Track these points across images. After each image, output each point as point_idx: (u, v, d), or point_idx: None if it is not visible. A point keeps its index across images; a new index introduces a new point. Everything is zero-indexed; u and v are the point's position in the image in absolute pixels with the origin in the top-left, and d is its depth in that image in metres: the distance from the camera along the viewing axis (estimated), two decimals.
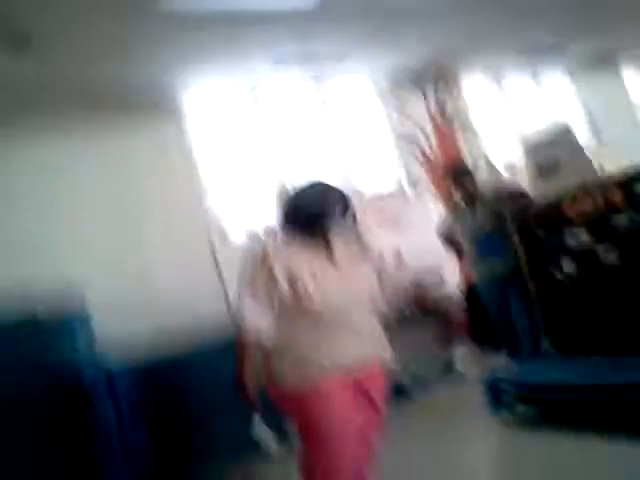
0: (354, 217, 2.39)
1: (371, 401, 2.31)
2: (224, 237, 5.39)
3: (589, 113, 8.59)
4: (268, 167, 5.93)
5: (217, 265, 5.18)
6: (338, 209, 2.34)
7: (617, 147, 8.05)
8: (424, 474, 3.24)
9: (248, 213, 5.64)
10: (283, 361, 2.24)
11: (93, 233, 4.74)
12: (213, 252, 5.21)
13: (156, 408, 3.92)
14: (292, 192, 2.45)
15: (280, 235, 2.39)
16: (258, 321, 2.23)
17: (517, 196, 4.19)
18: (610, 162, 7.73)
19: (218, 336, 4.54)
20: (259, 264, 2.26)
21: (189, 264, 5.07)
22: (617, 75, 9.04)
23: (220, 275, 5.15)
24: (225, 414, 3.98)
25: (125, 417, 3.77)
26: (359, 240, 2.48)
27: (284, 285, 2.22)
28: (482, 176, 6.51)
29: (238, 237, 5.43)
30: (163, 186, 5.16)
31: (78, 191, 4.79)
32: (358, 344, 2.29)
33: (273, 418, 2.68)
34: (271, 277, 2.22)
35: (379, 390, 2.35)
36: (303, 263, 2.27)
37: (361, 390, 2.27)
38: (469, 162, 4.67)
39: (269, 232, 2.25)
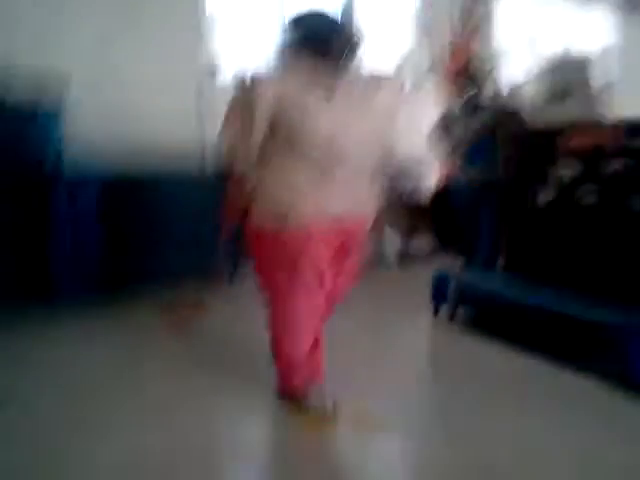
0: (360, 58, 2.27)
1: (347, 254, 2.32)
2: (214, 74, 5.17)
3: (616, 52, 8.31)
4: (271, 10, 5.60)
5: (200, 98, 5.01)
6: (348, 41, 2.22)
7: (632, 94, 7.89)
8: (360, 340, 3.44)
9: (244, 55, 5.40)
10: (267, 201, 2.18)
11: (84, 27, 4.43)
12: (199, 86, 5.02)
13: (114, 219, 3.96)
14: (301, 15, 2.27)
15: (275, 66, 2.26)
16: (240, 151, 2.15)
17: (515, 116, 4.14)
18: (620, 106, 7.64)
19: (188, 170, 4.58)
20: (247, 91, 2.14)
21: (175, 90, 4.88)
22: None
23: (200, 109, 5.01)
24: (179, 241, 4.22)
25: (82, 220, 3.82)
26: (365, 84, 2.34)
27: (269, 114, 2.10)
28: (490, 84, 6.36)
29: (228, 77, 5.19)
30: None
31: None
32: (347, 194, 2.22)
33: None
34: (260, 104, 2.10)
35: (358, 245, 2.37)
36: (298, 95, 2.14)
37: (341, 241, 2.27)
38: (483, 66, 4.50)
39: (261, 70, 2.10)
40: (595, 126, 3.42)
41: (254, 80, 2.15)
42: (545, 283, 3.56)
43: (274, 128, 2.12)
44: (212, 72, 5.14)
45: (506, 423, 2.45)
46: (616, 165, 3.30)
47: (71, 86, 3.91)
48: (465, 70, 4.36)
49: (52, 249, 3.73)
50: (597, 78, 3.85)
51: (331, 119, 2.15)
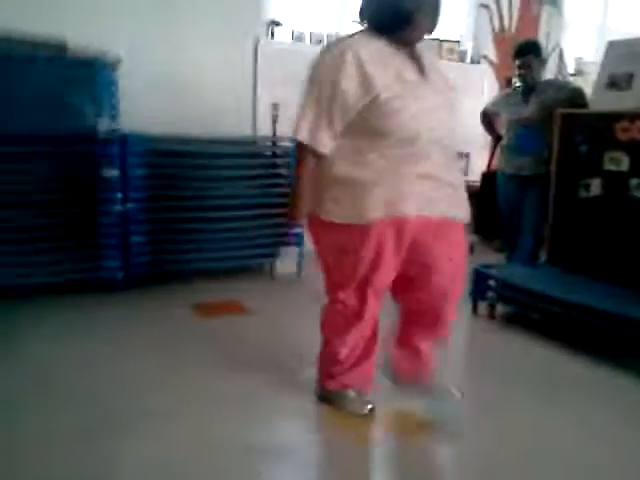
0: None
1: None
2: (271, 33, 5.14)
3: None
4: None
5: (256, 62, 5.01)
6: (435, 12, 2.00)
7: None
8: None
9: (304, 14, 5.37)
10: (357, 192, 2.01)
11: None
12: (256, 47, 5.00)
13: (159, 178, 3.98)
14: None
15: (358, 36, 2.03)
16: (319, 135, 2.00)
17: (572, 101, 3.94)
18: None
19: (238, 138, 4.66)
20: (331, 66, 1.95)
21: (231, 57, 4.90)
22: None
23: (255, 73, 5.01)
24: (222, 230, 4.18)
25: (130, 175, 3.84)
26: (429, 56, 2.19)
27: (359, 95, 1.93)
28: (550, 67, 6.15)
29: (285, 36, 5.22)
30: None
31: None
32: (445, 193, 2.08)
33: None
34: (350, 84, 1.92)
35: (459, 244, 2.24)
36: (391, 69, 1.96)
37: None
38: (542, 47, 4.33)
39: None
40: None
41: (340, 51, 1.95)
42: (589, 279, 3.46)
43: (365, 111, 1.96)
44: (271, 30, 5.11)
45: (553, 420, 2.44)
46: None
47: (123, 50, 3.95)
48: (522, 49, 4.15)
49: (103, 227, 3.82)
50: None
51: (428, 97, 2.01)
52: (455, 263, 2.21)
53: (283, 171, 4.49)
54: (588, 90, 4.01)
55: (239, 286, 4.23)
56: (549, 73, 6.13)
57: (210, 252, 4.18)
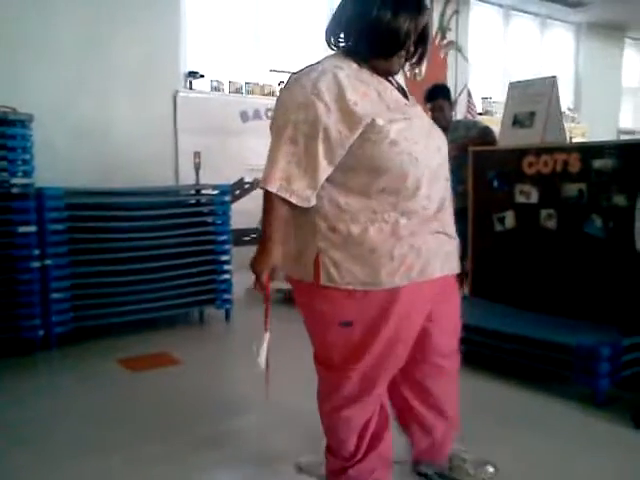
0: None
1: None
2: (190, 84, 5.19)
3: (579, 75, 8.60)
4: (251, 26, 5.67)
5: (175, 112, 5.04)
6: (424, 30, 1.71)
7: (593, 116, 8.19)
8: None
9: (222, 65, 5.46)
10: (346, 251, 1.67)
11: (58, 59, 4.45)
12: (175, 98, 5.03)
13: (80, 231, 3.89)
14: None
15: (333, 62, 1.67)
16: (295, 186, 1.61)
17: (482, 139, 4.17)
18: (581, 129, 7.92)
19: (161, 188, 4.64)
20: (304, 98, 1.59)
21: (151, 109, 4.91)
22: (619, 49, 8.97)
23: (175, 123, 5.04)
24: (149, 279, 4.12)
25: (48, 230, 3.73)
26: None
27: (345, 133, 1.59)
28: (460, 107, 6.48)
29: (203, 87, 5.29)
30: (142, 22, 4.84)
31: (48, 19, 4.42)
32: (454, 244, 1.84)
33: None
34: (330, 117, 1.58)
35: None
36: (379, 99, 1.64)
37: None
38: (451, 90, 4.59)
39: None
40: (556, 150, 3.47)
41: (312, 81, 1.61)
42: (512, 309, 3.58)
43: (350, 153, 1.63)
44: (189, 81, 5.17)
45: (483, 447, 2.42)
46: (574, 189, 3.36)
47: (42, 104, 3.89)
48: (431, 91, 4.35)
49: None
50: (560, 102, 3.92)
51: (422, 134, 1.72)
52: (456, 319, 2.01)
53: (207, 219, 4.48)
54: (496, 128, 4.25)
55: (167, 337, 4.14)
56: (459, 113, 6.47)
57: (135, 304, 4.07)
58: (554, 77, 3.89)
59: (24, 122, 3.63)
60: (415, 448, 2.14)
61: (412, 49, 1.71)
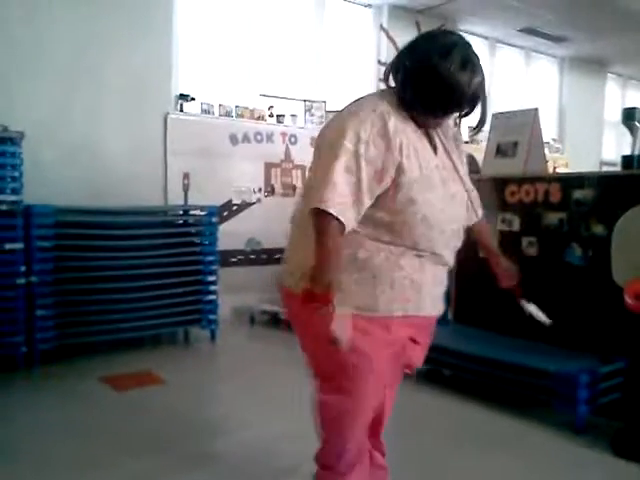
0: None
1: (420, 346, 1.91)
2: (181, 107, 5.25)
3: (563, 107, 8.80)
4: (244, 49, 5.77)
5: (166, 134, 5.09)
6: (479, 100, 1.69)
7: (577, 148, 8.36)
8: None
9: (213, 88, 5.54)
10: (350, 274, 1.68)
11: (50, 78, 4.50)
12: (166, 120, 5.09)
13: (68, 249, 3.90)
14: (427, 40, 1.66)
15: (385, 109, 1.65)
16: (349, 212, 1.59)
17: (472, 160, 4.25)
18: (564, 160, 8.06)
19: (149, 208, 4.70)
20: (374, 132, 1.59)
21: (142, 130, 4.97)
22: (602, 82, 9.19)
23: (165, 144, 5.08)
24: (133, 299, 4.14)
25: (34, 247, 3.74)
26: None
27: (393, 169, 1.61)
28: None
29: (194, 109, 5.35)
30: (131, 41, 4.91)
31: (40, 38, 4.47)
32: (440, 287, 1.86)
33: None
34: (387, 151, 1.59)
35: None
36: (415, 156, 1.66)
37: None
38: None
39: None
40: (537, 179, 3.56)
41: (371, 120, 1.61)
42: (492, 333, 3.63)
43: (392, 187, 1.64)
44: (180, 104, 5.22)
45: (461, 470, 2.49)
46: (555, 218, 3.44)
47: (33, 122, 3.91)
48: None
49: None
50: (542, 133, 4.02)
51: (442, 178, 1.74)
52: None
53: (195, 239, 4.52)
54: (480, 157, 4.35)
55: (152, 356, 4.14)
56: None
57: (121, 323, 4.07)
58: (536, 109, 4.00)
59: (14, 140, 3.66)
60: None
61: (467, 108, 1.68)
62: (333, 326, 1.58)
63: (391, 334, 1.73)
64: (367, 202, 1.62)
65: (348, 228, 1.60)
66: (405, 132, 1.64)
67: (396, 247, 1.69)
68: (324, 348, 1.67)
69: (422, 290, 1.74)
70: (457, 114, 1.72)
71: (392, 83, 1.72)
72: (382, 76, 1.74)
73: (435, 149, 1.75)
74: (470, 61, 1.62)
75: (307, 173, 5.81)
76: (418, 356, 1.92)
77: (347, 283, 1.68)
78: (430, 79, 1.60)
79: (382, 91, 1.74)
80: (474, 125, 1.77)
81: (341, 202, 1.57)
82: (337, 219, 1.56)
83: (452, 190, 1.76)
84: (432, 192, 1.69)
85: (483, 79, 1.65)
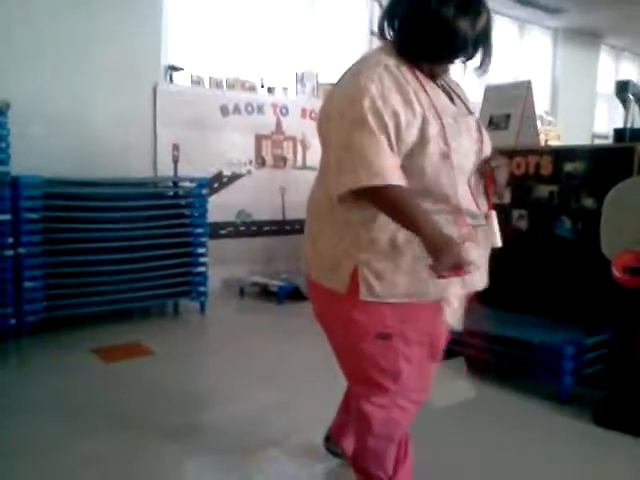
0: None
1: None
2: (170, 77, 5.17)
3: (555, 80, 8.75)
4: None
5: (155, 105, 5.02)
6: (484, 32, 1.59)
7: (569, 120, 8.33)
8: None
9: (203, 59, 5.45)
10: (391, 260, 1.57)
11: (36, 49, 4.40)
12: (155, 91, 5.01)
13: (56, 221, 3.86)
14: None
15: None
16: (394, 169, 1.48)
17: None
18: (557, 132, 8.05)
19: (139, 180, 4.69)
20: (386, 86, 1.49)
21: (131, 101, 4.89)
22: (595, 55, 9.12)
23: (155, 115, 5.02)
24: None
25: (22, 219, 3.71)
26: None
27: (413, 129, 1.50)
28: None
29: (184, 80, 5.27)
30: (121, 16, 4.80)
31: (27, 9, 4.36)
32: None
33: None
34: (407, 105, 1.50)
35: None
36: (440, 100, 1.59)
37: None
38: None
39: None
40: (529, 152, 3.54)
41: (378, 73, 1.51)
42: (479, 306, 3.64)
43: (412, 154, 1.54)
44: (170, 75, 5.14)
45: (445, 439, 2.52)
46: (545, 191, 3.44)
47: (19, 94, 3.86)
48: None
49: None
50: (535, 106, 4.00)
51: (467, 138, 1.63)
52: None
53: (185, 211, 4.49)
54: None
55: (141, 328, 4.14)
56: None
57: (110, 294, 4.07)
58: (529, 81, 3.97)
59: (0, 110, 3.60)
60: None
61: (472, 51, 1.57)
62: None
63: (441, 315, 1.65)
64: (398, 160, 1.50)
65: (396, 179, 1.47)
66: (417, 82, 1.55)
67: (434, 214, 1.55)
68: (373, 346, 1.63)
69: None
70: (463, 58, 1.60)
71: (387, 36, 1.62)
72: (376, 30, 1.63)
73: (450, 98, 1.66)
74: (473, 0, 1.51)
75: (306, 150, 5.77)
76: (444, 339, 1.86)
77: (390, 271, 1.58)
78: (431, 26, 1.49)
79: (380, 47, 1.63)
80: (478, 65, 1.65)
81: (392, 167, 1.46)
82: (394, 185, 1.45)
83: (474, 136, 1.65)
84: (461, 139, 1.58)
85: (489, 16, 1.55)
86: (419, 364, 1.72)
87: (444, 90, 1.66)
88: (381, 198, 1.48)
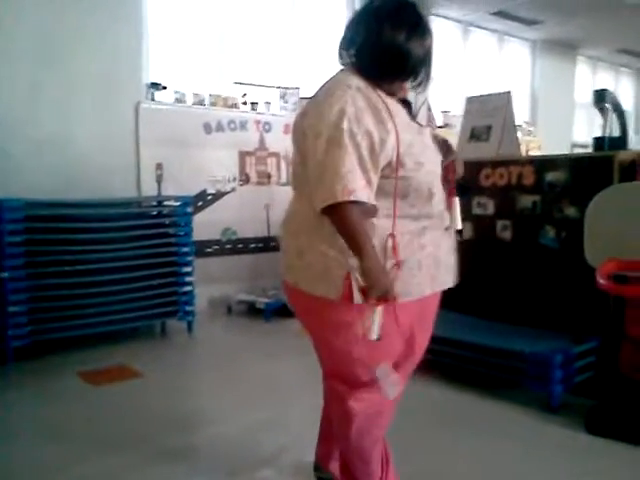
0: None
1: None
2: (152, 96, 5.16)
3: (535, 90, 8.87)
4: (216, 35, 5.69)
5: (137, 124, 5.00)
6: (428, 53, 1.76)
7: (549, 130, 8.43)
8: None
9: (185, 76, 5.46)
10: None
11: (16, 67, 4.38)
12: (137, 110, 5.00)
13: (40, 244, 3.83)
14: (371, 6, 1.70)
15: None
16: (364, 187, 1.58)
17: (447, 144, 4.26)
18: (537, 142, 8.13)
19: (122, 200, 4.65)
20: (358, 106, 1.60)
21: (113, 120, 4.88)
22: (572, 65, 9.27)
23: (137, 134, 5.00)
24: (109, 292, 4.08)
25: (5, 242, 3.67)
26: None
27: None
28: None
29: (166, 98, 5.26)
30: (98, 24, 4.80)
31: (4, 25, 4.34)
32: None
33: None
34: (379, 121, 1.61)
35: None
36: (406, 117, 1.73)
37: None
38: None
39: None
40: (511, 162, 3.57)
41: (351, 94, 1.61)
42: (467, 316, 3.66)
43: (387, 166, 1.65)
44: (152, 93, 5.14)
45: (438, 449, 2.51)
46: (528, 201, 3.47)
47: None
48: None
49: None
50: (515, 117, 4.04)
51: (430, 150, 1.78)
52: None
53: (169, 230, 4.47)
54: (454, 141, 4.35)
55: (128, 350, 4.09)
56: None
57: (96, 317, 4.02)
58: (509, 92, 4.02)
59: None
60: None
61: (420, 69, 1.74)
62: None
63: (422, 312, 1.85)
64: (374, 177, 1.61)
65: (364, 197, 1.58)
66: (385, 101, 1.66)
67: (415, 221, 1.73)
68: (363, 348, 1.71)
69: (440, 264, 1.80)
70: (414, 76, 1.75)
71: (347, 60, 1.75)
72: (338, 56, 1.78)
73: (409, 111, 1.79)
74: (420, 24, 1.69)
75: (289, 167, 5.78)
76: (425, 339, 2.03)
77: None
78: (387, 50, 1.66)
79: (342, 70, 1.76)
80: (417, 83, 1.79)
81: (362, 186, 1.57)
82: (361, 203, 1.57)
83: (434, 146, 1.81)
84: (427, 153, 1.74)
85: (432, 39, 1.73)
86: (396, 356, 1.85)
87: (403, 105, 1.78)
88: (341, 218, 1.59)
